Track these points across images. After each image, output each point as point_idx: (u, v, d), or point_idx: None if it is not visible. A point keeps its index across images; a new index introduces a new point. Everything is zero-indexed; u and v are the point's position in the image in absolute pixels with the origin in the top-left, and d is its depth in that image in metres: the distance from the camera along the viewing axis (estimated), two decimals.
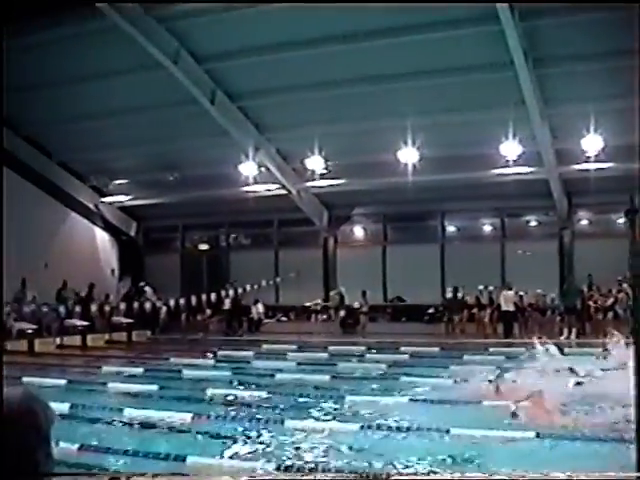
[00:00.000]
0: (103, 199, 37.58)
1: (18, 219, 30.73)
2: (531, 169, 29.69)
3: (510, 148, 28.33)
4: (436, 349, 23.78)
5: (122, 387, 17.38)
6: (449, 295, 32.72)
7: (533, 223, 35.85)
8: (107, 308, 33.70)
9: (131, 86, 28.02)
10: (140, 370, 20.68)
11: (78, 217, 37.10)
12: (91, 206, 37.54)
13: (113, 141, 31.93)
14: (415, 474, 8.78)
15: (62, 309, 31.69)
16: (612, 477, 5.49)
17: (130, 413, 13.51)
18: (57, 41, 25.68)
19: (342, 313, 33.33)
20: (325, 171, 32.03)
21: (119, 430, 12.36)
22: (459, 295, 32.28)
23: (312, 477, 8.15)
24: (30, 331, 28.66)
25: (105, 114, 29.84)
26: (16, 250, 29.82)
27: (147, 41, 24.63)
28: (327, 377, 18.06)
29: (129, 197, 37.56)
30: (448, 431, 11.16)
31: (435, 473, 8.65)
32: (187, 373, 19.75)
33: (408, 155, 29.11)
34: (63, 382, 17.95)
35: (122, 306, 34.34)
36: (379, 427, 11.83)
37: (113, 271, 39.35)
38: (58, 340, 29.58)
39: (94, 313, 32.81)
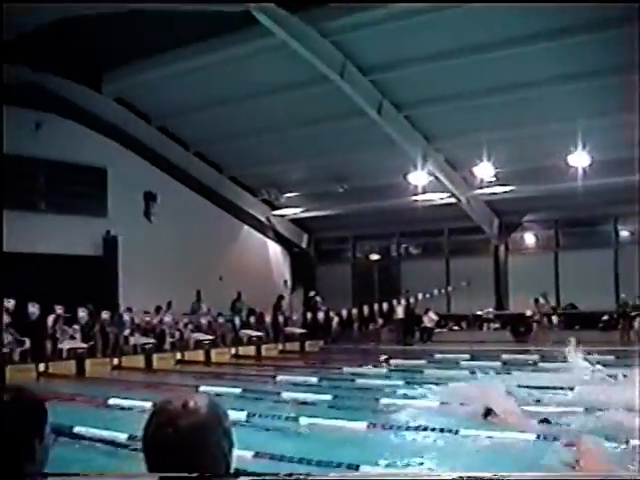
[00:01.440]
0: (274, 212, 38.33)
1: (196, 234, 31.86)
2: None
3: None
4: (611, 357, 23.17)
5: (296, 396, 17.67)
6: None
7: None
8: (281, 318, 34.32)
9: (299, 100, 28.49)
10: (314, 379, 20.95)
11: (251, 230, 37.99)
12: (263, 219, 38.36)
13: (282, 155, 32.57)
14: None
15: (237, 320, 32.51)
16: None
17: (305, 421, 13.74)
18: (226, 61, 26.39)
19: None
20: (494, 178, 31.64)
21: (294, 438, 12.57)
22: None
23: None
24: (207, 342, 29.52)
25: (274, 128, 30.51)
26: (193, 264, 30.89)
27: (313, 56, 25.00)
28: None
29: (300, 209, 38.07)
30: (628, 441, 10.87)
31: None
32: (360, 382, 19.93)
33: (579, 159, 28.44)
34: (238, 391, 18.40)
35: (295, 316, 34.94)
36: (555, 438, 11.62)
37: (286, 282, 40.00)
38: (233, 350, 30.38)
39: (267, 324, 33.46)
